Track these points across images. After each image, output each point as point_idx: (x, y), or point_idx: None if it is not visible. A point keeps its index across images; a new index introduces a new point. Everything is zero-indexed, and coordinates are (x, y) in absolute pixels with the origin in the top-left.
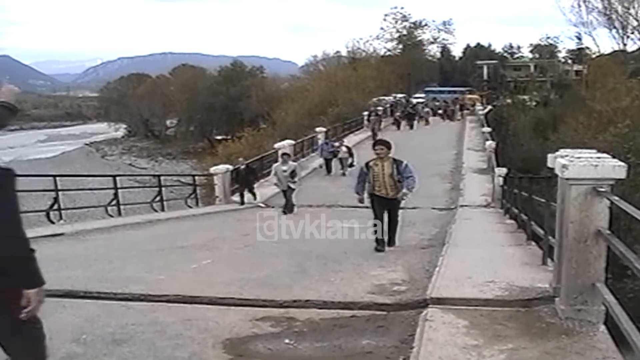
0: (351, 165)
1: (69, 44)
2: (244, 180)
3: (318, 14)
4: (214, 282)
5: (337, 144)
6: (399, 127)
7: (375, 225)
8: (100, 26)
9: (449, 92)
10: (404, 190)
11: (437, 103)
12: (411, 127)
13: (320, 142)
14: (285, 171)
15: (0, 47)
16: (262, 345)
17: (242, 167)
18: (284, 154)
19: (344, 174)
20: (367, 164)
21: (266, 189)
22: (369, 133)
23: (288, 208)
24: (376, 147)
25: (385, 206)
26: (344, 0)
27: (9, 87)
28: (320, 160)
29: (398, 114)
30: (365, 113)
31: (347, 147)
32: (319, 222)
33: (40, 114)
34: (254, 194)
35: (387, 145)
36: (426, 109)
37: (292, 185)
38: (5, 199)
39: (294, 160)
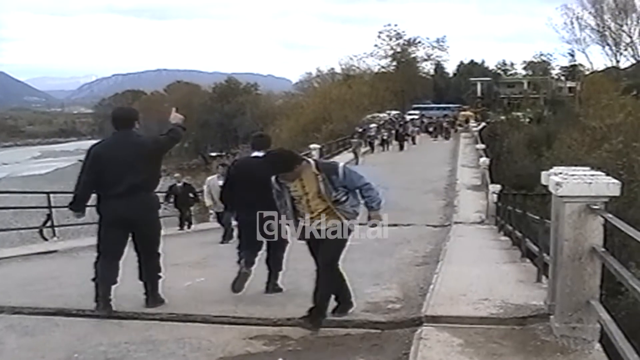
0: None
1: (63, 61)
2: (181, 202)
3: (311, 31)
4: (208, 300)
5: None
6: (385, 148)
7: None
8: (94, 43)
9: (439, 108)
10: (372, 218)
11: (425, 120)
12: (401, 147)
13: None
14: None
15: None
16: None
17: (179, 185)
18: (221, 163)
19: None
20: (277, 179)
21: None
22: (352, 156)
23: (228, 235)
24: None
25: (317, 249)
26: (337, 18)
27: (175, 114)
28: None
29: (385, 133)
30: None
31: None
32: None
33: (35, 131)
34: (189, 220)
35: (276, 171)
36: (415, 127)
37: None
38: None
39: None
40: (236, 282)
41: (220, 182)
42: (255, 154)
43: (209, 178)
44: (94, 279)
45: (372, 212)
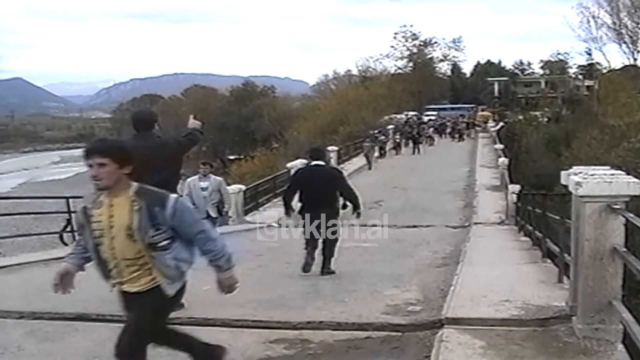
0: (344, 206)
1: (81, 66)
2: None
3: (326, 33)
4: (227, 304)
5: None
6: (398, 151)
7: None
8: (111, 48)
9: (452, 109)
10: (224, 282)
11: (440, 121)
12: (416, 150)
13: None
14: (204, 189)
15: (12, 69)
16: None
17: None
18: (202, 162)
19: None
20: (84, 208)
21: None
22: (363, 162)
23: None
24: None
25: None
26: (350, 20)
27: (193, 120)
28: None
29: (397, 136)
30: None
31: None
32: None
33: (54, 136)
34: None
35: (108, 149)
36: (430, 129)
37: (213, 214)
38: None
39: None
40: (305, 266)
41: (202, 184)
42: (314, 163)
43: (189, 179)
44: None
45: (221, 274)
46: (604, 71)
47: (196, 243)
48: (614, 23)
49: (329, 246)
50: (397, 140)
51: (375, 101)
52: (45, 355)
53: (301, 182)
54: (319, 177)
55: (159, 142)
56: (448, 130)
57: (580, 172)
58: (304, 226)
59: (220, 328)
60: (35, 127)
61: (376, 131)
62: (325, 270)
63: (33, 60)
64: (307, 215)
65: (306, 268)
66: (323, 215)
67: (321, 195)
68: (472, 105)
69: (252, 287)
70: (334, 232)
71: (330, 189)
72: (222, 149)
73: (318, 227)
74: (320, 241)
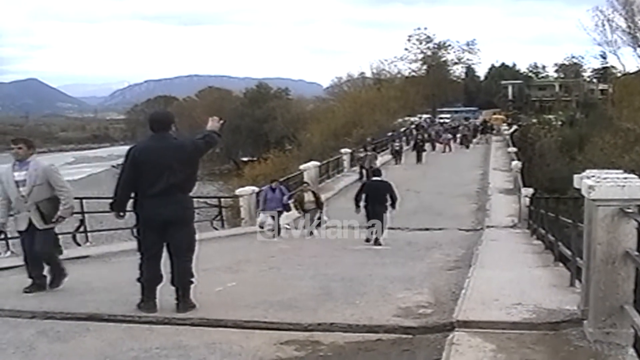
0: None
1: (95, 67)
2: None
3: (341, 36)
4: (238, 305)
5: (287, 196)
6: (397, 161)
7: None
8: (125, 50)
9: (456, 112)
10: None
11: (441, 127)
12: (419, 159)
13: (264, 188)
14: (21, 184)
15: (27, 70)
16: None
17: None
18: (14, 140)
19: (311, 233)
20: None
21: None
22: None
23: (53, 273)
24: None
25: None
26: (363, 23)
27: (213, 121)
28: (263, 218)
29: (397, 144)
30: (389, 134)
31: (314, 193)
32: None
33: (68, 137)
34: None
35: None
36: (446, 134)
37: (38, 223)
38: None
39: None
40: (368, 239)
41: (17, 175)
42: (376, 178)
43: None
44: (138, 279)
45: None
46: (619, 75)
47: None
48: (629, 27)
49: (382, 227)
50: (397, 148)
51: (388, 104)
52: (57, 355)
53: (367, 189)
54: (379, 186)
55: (176, 143)
56: (459, 135)
57: (593, 176)
58: (367, 215)
59: (231, 329)
60: (49, 128)
61: (370, 139)
62: (378, 243)
63: (48, 62)
64: (370, 209)
65: (368, 239)
66: (379, 209)
67: (380, 197)
68: (475, 108)
69: (263, 288)
70: (385, 219)
71: (385, 194)
72: (235, 150)
73: (375, 217)
74: (376, 224)
